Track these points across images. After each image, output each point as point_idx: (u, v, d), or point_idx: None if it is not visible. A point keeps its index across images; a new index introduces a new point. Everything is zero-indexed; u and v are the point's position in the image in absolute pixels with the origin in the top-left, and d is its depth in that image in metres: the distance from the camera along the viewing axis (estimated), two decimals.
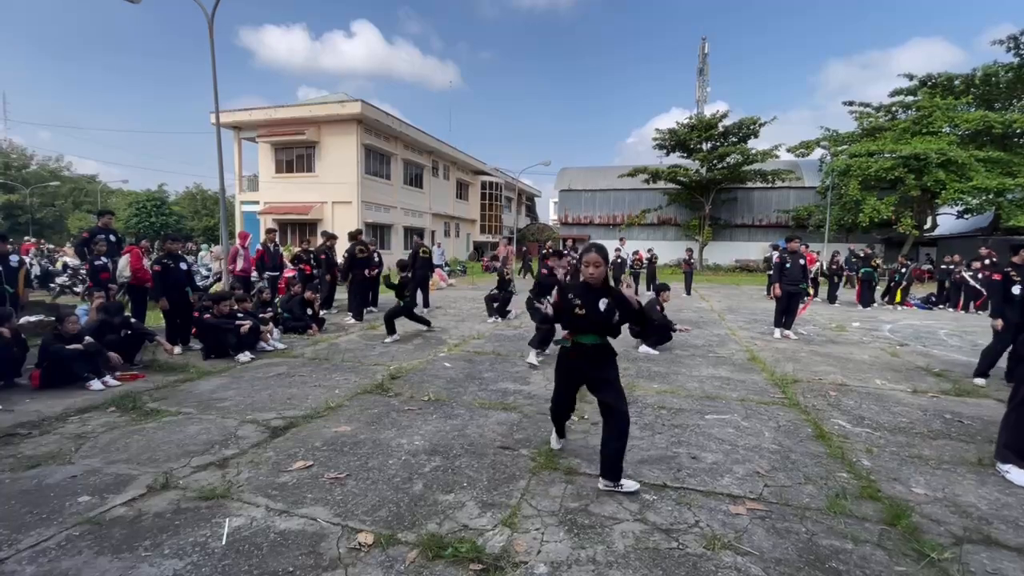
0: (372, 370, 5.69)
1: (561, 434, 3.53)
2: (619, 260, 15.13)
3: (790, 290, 8.20)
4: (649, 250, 17.68)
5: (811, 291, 9.32)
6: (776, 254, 14.21)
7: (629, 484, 2.89)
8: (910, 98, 26.63)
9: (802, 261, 8.33)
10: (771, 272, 14.40)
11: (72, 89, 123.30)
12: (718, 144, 29.74)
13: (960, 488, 3.04)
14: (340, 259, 10.43)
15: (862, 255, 13.67)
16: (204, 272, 12.43)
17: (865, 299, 13.00)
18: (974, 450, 3.63)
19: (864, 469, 3.27)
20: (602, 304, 2.87)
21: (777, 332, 8.35)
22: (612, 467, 2.87)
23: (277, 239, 10.33)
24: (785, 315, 8.34)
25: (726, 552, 2.34)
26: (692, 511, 2.71)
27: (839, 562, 2.28)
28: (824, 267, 15.35)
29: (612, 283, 2.99)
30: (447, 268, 18.56)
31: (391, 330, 7.36)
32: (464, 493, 2.87)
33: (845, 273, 15.02)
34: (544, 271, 6.65)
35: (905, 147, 23.23)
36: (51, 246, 24.32)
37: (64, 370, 4.82)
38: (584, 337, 2.94)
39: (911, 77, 26.54)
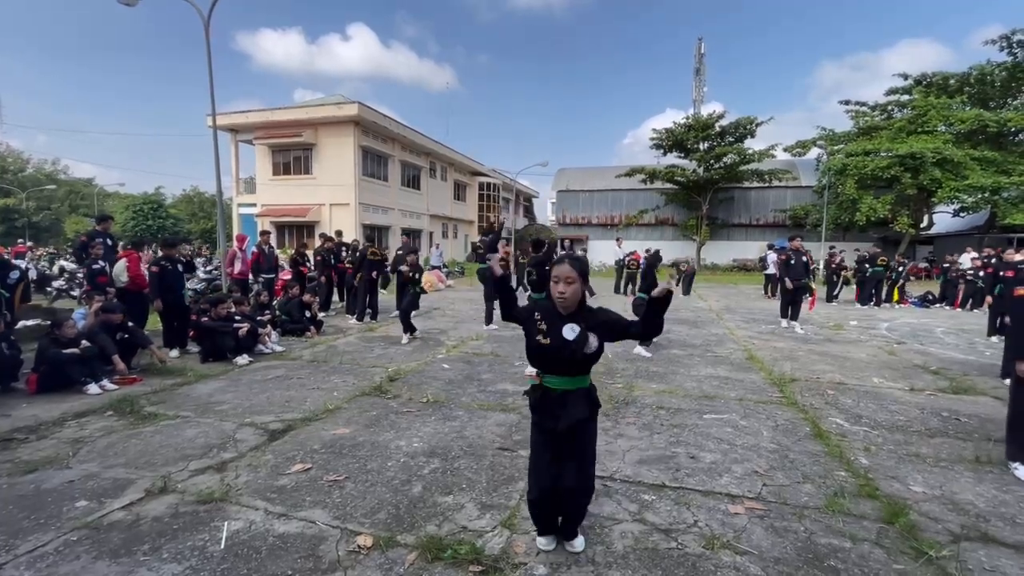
0: (370, 372, 5.68)
1: (548, 528, 2.35)
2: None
3: (796, 285, 8.94)
4: (647, 250, 17.64)
5: (813, 286, 9.91)
6: (772, 254, 14.32)
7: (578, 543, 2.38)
8: (905, 97, 26.75)
9: (804, 258, 9.13)
10: (767, 271, 14.58)
11: (68, 92, 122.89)
12: (715, 144, 29.80)
13: (957, 486, 3.05)
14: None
15: (868, 255, 13.56)
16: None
17: (864, 298, 13.05)
18: (971, 448, 3.65)
19: (862, 467, 3.28)
20: (568, 331, 2.12)
21: (784, 322, 9.07)
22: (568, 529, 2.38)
23: (272, 241, 10.32)
24: (792, 307, 9.07)
25: (725, 551, 2.34)
26: (691, 511, 2.71)
27: (837, 560, 2.29)
28: (821, 266, 15.37)
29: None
30: (445, 269, 18.55)
31: (411, 328, 7.50)
32: (463, 495, 2.87)
33: (844, 273, 15.04)
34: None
35: (901, 146, 23.32)
36: (51, 249, 24.26)
37: (61, 374, 4.81)
38: (551, 379, 2.22)
39: (906, 77, 26.67)
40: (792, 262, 8.99)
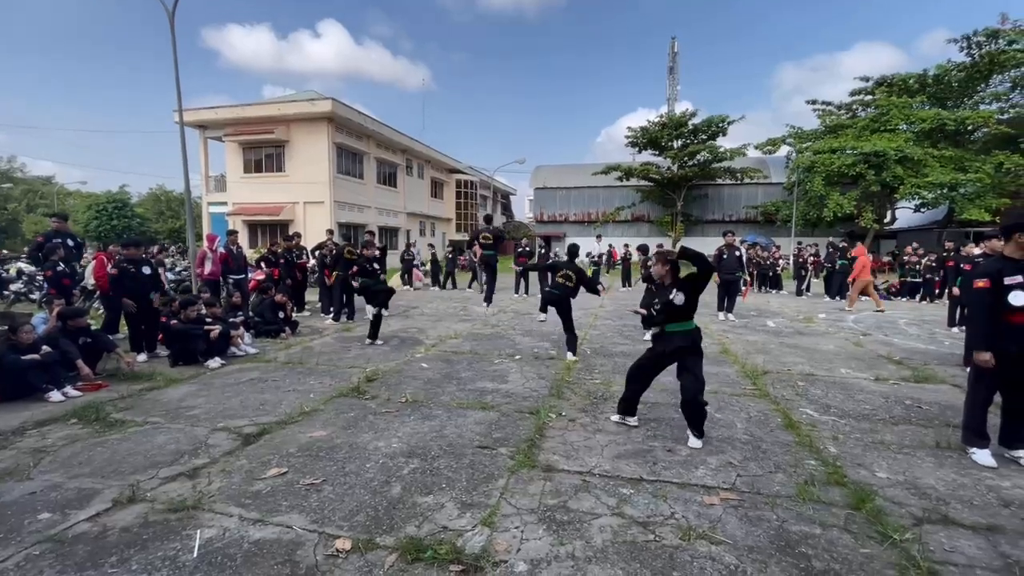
0: (348, 373, 5.60)
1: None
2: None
3: (727, 279, 9.34)
4: (625, 246, 18.02)
5: (747, 279, 10.78)
6: (743, 246, 14.83)
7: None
8: (869, 97, 27.68)
9: (737, 253, 9.55)
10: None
11: (25, 87, 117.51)
12: (688, 142, 30.33)
13: (920, 471, 3.19)
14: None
15: (842, 246, 13.96)
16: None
17: (833, 291, 13.49)
18: (932, 434, 3.81)
19: (831, 456, 3.39)
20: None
21: (721, 315, 9.53)
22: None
23: (239, 241, 10.11)
24: (727, 300, 9.54)
25: (701, 542, 2.39)
26: (668, 503, 2.76)
27: (808, 547, 2.36)
28: (791, 261, 15.89)
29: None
30: (423, 267, 18.41)
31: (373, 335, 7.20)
32: (443, 494, 2.86)
33: (812, 264, 15.55)
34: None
35: (865, 144, 24.15)
36: (5, 252, 23.17)
37: (20, 381, 4.60)
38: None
39: (867, 79, 27.60)
40: (725, 256, 9.40)
